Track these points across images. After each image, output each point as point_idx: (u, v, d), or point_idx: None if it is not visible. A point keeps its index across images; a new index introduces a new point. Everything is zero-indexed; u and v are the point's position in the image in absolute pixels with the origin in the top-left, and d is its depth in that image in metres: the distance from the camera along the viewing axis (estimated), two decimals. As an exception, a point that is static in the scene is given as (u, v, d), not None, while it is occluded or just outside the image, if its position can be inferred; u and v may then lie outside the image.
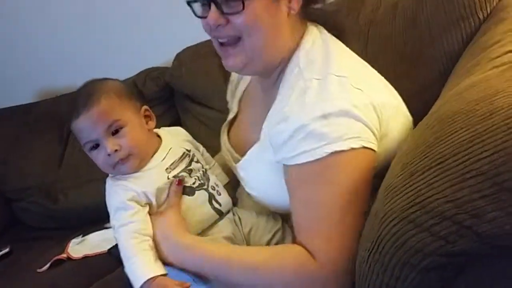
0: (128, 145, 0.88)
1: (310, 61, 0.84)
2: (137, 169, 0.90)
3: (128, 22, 1.88)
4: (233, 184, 1.06)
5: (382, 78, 0.90)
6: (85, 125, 0.87)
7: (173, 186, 0.91)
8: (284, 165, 0.82)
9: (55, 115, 1.88)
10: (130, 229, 0.84)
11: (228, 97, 1.18)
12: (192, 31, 1.78)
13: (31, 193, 1.80)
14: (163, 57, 1.88)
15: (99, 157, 0.89)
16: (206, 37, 1.76)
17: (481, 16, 1.07)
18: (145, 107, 0.95)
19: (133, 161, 0.89)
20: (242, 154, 0.97)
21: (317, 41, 0.88)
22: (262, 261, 0.82)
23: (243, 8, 0.79)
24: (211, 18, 0.83)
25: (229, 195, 0.99)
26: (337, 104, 0.76)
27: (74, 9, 1.88)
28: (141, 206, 0.88)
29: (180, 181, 0.91)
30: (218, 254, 0.85)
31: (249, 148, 0.94)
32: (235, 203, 1.03)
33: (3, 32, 1.97)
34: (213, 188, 0.95)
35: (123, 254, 0.84)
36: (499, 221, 0.49)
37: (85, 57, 1.97)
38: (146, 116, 0.95)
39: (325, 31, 0.91)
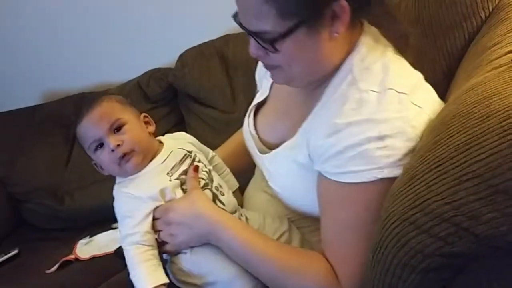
0: (130, 140, 0.91)
1: (366, 68, 0.80)
2: (141, 167, 0.92)
3: (131, 24, 1.89)
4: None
5: (434, 91, 0.86)
6: (89, 126, 0.91)
7: (190, 172, 0.92)
8: (321, 175, 0.80)
9: (59, 116, 1.89)
10: (134, 240, 0.87)
11: (257, 76, 1.14)
12: (194, 32, 1.81)
13: (38, 195, 1.81)
14: (166, 58, 1.89)
15: (104, 156, 0.92)
16: (209, 37, 1.81)
17: (482, 16, 1.07)
18: (144, 114, 1.00)
19: (136, 158, 0.91)
20: (269, 144, 0.96)
21: (374, 47, 0.82)
22: (295, 267, 0.82)
23: (277, 50, 0.77)
24: (250, 50, 0.82)
25: (235, 197, 1.00)
26: (395, 125, 0.73)
27: (76, 11, 1.89)
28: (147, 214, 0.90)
29: (197, 167, 0.93)
30: (252, 242, 0.86)
31: (278, 141, 0.93)
32: (242, 204, 1.04)
33: (5, 34, 1.99)
34: (217, 189, 0.96)
35: (128, 263, 0.87)
36: (495, 223, 0.50)
37: (89, 59, 1.99)
38: (145, 123, 0.99)
39: (382, 37, 0.86)
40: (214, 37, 1.79)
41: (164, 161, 0.94)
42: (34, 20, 1.94)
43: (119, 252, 1.24)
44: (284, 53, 0.77)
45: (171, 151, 0.96)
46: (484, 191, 0.52)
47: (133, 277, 0.85)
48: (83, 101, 1.00)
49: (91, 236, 1.58)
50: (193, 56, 1.77)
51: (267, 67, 0.85)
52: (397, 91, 0.75)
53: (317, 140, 0.80)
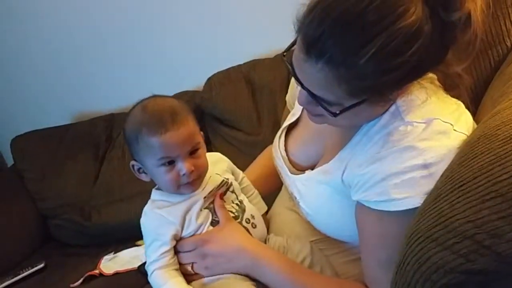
0: (201, 166, 0.88)
1: (409, 100, 0.77)
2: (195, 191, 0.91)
3: (161, 48, 1.95)
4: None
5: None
6: (171, 142, 0.84)
7: (217, 200, 0.91)
8: (362, 205, 0.78)
9: (90, 136, 1.95)
10: (161, 264, 0.86)
11: (291, 99, 1.12)
12: (222, 57, 1.86)
13: (66, 211, 1.85)
14: (194, 81, 1.94)
15: (170, 175, 0.86)
16: (236, 62, 1.84)
17: (508, 44, 1.07)
18: (201, 132, 0.93)
19: (197, 184, 0.89)
20: (299, 166, 0.96)
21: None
22: None
23: (334, 117, 0.73)
24: (300, 100, 0.77)
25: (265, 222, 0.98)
26: (440, 154, 0.71)
27: (106, 37, 1.96)
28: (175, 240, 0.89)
29: (222, 195, 0.92)
30: (297, 278, 0.85)
31: (309, 163, 0.93)
32: (268, 226, 1.02)
33: (39, 58, 2.06)
34: (248, 221, 0.93)
35: (154, 284, 0.86)
36: (517, 241, 0.51)
37: (118, 82, 2.05)
38: None
39: None
40: (241, 62, 1.83)
41: (203, 188, 0.91)
42: (68, 46, 2.01)
43: (142, 268, 1.26)
44: (339, 118, 0.73)
45: (210, 177, 0.93)
46: (506, 210, 0.53)
47: None
48: (156, 108, 0.89)
49: (115, 252, 1.60)
50: (221, 80, 1.82)
51: (311, 114, 0.81)
52: (443, 121, 0.74)
53: (358, 170, 0.78)
